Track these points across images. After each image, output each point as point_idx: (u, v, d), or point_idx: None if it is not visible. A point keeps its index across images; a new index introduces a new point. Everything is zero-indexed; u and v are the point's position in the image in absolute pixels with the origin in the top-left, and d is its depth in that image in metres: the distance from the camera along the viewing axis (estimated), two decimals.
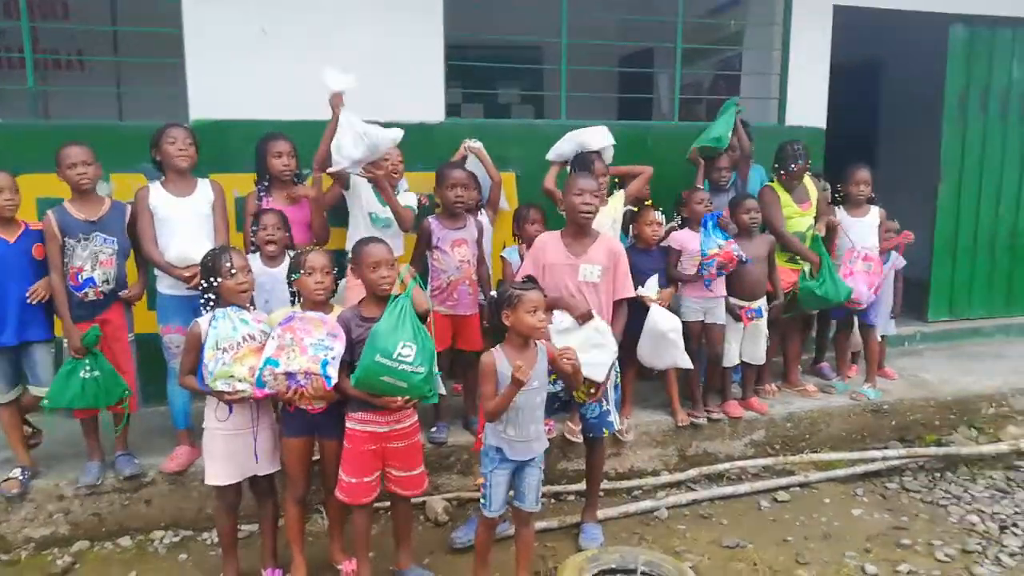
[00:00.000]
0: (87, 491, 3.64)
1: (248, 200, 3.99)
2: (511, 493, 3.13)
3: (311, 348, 2.95)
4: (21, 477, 3.59)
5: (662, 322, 4.02)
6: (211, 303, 3.10)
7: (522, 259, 4.01)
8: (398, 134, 3.74)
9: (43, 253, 3.59)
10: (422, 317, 3.04)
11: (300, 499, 3.28)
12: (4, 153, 4.17)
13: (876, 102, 8.37)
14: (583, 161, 4.26)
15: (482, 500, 3.12)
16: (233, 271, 3.06)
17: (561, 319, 3.47)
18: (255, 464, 3.18)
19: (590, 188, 3.51)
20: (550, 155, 4.43)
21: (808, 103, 5.58)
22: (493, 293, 3.17)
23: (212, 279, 3.07)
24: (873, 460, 4.52)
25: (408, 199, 4.09)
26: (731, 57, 6.57)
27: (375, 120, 4.26)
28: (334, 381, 2.96)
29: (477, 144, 4.51)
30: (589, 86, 6.83)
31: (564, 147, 4.39)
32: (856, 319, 5.03)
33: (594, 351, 3.37)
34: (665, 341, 4.05)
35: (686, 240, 4.41)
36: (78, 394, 3.50)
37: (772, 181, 4.84)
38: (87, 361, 3.52)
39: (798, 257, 4.75)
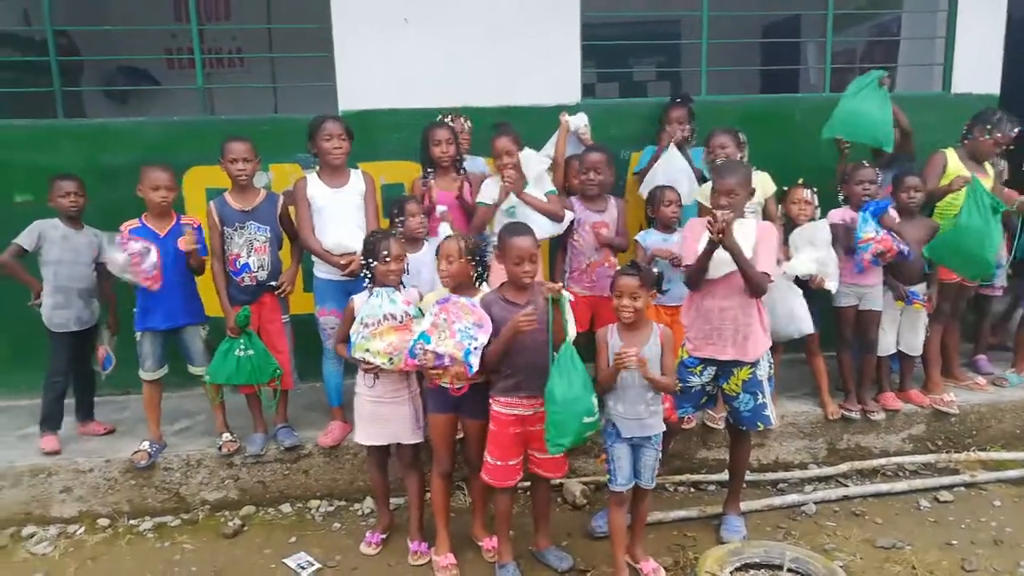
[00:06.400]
0: (253, 459, 3.94)
1: (414, 185, 4.17)
2: None
3: (459, 334, 3.04)
4: (150, 450, 3.87)
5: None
6: (368, 281, 3.36)
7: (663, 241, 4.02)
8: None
9: (185, 244, 3.76)
10: (556, 346, 3.05)
11: (445, 474, 3.41)
12: (177, 148, 4.57)
13: None
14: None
15: (608, 476, 3.19)
16: (387, 258, 3.28)
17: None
18: (397, 432, 3.38)
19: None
20: None
21: (979, 68, 5.09)
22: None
23: (370, 260, 3.31)
24: None
25: (541, 185, 4.07)
26: (888, 21, 6.09)
27: (509, 105, 4.40)
28: (475, 370, 3.05)
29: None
30: (730, 59, 6.56)
31: None
32: None
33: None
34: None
35: (848, 216, 4.13)
36: (234, 371, 3.82)
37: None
38: (242, 340, 3.82)
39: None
